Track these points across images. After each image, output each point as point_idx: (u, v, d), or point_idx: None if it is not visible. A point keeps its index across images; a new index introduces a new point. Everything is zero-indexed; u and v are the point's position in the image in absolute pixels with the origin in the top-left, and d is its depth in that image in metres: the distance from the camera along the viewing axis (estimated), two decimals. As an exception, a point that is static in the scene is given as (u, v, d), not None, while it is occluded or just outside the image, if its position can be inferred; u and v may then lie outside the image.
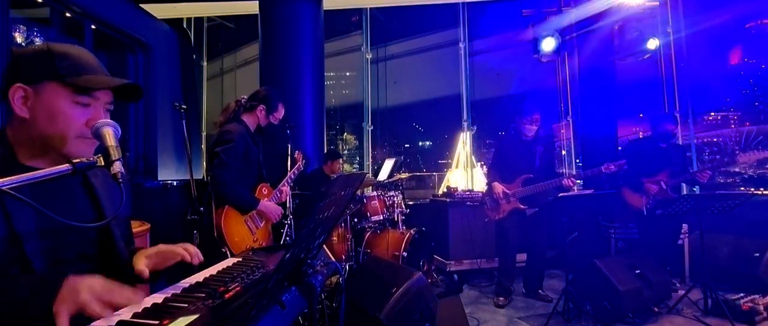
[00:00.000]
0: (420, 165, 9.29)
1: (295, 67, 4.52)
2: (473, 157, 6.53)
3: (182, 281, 1.04)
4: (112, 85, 0.97)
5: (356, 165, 9.02)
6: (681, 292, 3.33)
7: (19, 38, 4.25)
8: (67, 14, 4.27)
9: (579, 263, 3.29)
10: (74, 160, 0.81)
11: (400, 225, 4.05)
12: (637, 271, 3.06)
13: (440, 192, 5.81)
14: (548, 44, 5.10)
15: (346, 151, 9.44)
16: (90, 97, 0.95)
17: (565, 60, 5.99)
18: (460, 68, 6.50)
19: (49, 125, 0.92)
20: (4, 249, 0.84)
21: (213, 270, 1.15)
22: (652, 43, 5.01)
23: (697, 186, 4.78)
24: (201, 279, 1.06)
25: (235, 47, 7.75)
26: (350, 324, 2.32)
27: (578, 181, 4.09)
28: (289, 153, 3.13)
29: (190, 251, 1.09)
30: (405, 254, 3.57)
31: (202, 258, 1.11)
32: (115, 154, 0.84)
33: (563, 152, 6.47)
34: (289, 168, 3.01)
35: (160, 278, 1.11)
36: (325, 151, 4.73)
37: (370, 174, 4.97)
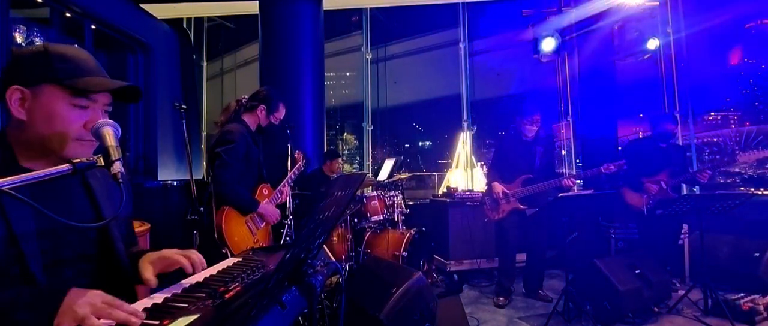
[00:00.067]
0: (420, 165, 9.29)
1: (295, 67, 4.52)
2: (473, 157, 6.53)
3: (182, 281, 1.04)
4: (110, 87, 0.97)
5: (356, 165, 9.02)
6: (681, 292, 3.33)
7: (19, 38, 4.25)
8: (67, 14, 4.26)
9: (579, 263, 3.29)
10: (74, 160, 0.80)
11: (400, 225, 4.05)
12: (637, 271, 3.06)
13: (440, 192, 5.81)
14: (548, 44, 5.10)
15: (346, 151, 9.44)
16: (88, 100, 0.94)
17: (565, 60, 5.99)
18: (460, 68, 6.50)
19: (47, 128, 0.92)
20: (3, 249, 0.84)
21: (213, 270, 1.15)
22: (652, 43, 5.01)
23: (697, 186, 4.78)
24: (201, 279, 1.06)
25: (235, 47, 7.76)
26: (350, 324, 2.32)
27: (578, 181, 4.09)
28: (289, 153, 3.13)
29: (192, 260, 1.06)
30: (405, 254, 3.57)
31: (205, 266, 1.10)
32: (115, 154, 0.84)
33: (563, 152, 6.47)
34: (289, 169, 3.01)
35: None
36: (325, 150, 4.74)
37: (370, 174, 4.97)
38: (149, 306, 0.87)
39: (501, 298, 3.58)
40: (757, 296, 3.07)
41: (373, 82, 6.65)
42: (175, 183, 4.79)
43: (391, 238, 3.74)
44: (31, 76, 0.91)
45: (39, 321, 0.73)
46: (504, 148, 3.79)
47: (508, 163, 3.67)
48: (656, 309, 3.14)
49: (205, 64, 7.35)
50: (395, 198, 4.12)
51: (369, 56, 6.60)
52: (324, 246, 1.47)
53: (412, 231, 3.76)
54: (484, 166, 6.00)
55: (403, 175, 4.63)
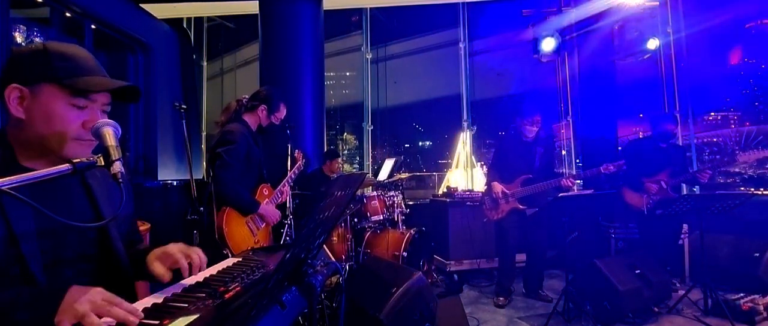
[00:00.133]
0: (420, 165, 9.29)
1: (295, 67, 4.52)
2: (473, 157, 6.53)
3: (182, 281, 1.04)
4: (109, 87, 0.97)
5: (356, 165, 9.02)
6: (681, 292, 3.33)
7: (19, 38, 4.25)
8: (67, 14, 4.26)
9: (579, 263, 3.29)
10: (74, 160, 0.80)
11: (400, 225, 4.05)
12: (637, 271, 3.06)
13: (440, 192, 5.81)
14: (548, 44, 5.10)
15: (346, 151, 9.44)
16: (87, 99, 0.94)
17: (565, 60, 5.99)
18: (460, 68, 6.50)
19: (46, 127, 0.91)
20: (4, 249, 0.84)
21: (213, 270, 1.15)
22: (652, 43, 5.01)
23: (697, 186, 4.78)
24: (201, 279, 1.06)
25: (235, 47, 7.76)
26: (350, 324, 2.31)
27: (578, 181, 4.09)
28: (289, 153, 3.13)
29: (192, 260, 1.05)
30: (405, 254, 3.57)
31: (205, 266, 1.09)
32: (115, 153, 0.83)
33: (563, 152, 6.47)
34: (289, 168, 3.00)
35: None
36: (325, 150, 4.74)
37: (370, 174, 4.97)
38: (149, 305, 0.86)
39: (501, 298, 3.58)
40: (757, 296, 3.07)
41: (373, 82, 6.65)
42: (175, 183, 4.80)
43: (391, 238, 3.74)
44: (31, 75, 0.91)
45: (39, 318, 0.73)
46: (504, 148, 3.79)
47: (508, 163, 3.67)
48: (656, 309, 3.14)
49: (205, 64, 7.35)
50: (395, 198, 4.12)
51: (369, 56, 6.60)
52: (324, 246, 1.47)
53: (412, 231, 3.76)
54: (484, 166, 6.00)
55: (403, 175, 4.63)
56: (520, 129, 3.65)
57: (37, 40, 4.42)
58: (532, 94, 7.38)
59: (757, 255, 3.55)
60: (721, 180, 7.05)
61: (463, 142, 6.54)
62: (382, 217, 3.98)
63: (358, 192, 3.95)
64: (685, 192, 4.64)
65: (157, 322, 0.77)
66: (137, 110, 5.10)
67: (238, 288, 0.93)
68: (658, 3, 5.07)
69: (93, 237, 1.02)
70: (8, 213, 0.85)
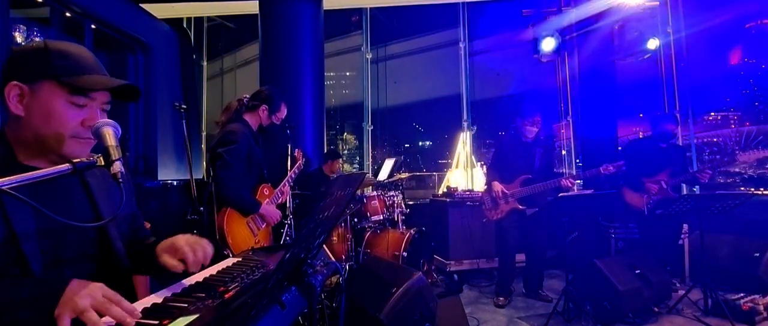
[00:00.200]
0: (420, 165, 9.30)
1: (295, 67, 4.52)
2: (473, 157, 6.53)
3: (182, 281, 1.04)
4: (109, 85, 0.97)
5: (356, 165, 9.02)
6: (681, 292, 3.33)
7: (19, 38, 4.24)
8: (67, 14, 4.26)
9: (579, 263, 3.29)
10: (74, 160, 0.80)
11: (400, 225, 4.05)
12: (637, 271, 3.06)
13: (440, 192, 5.81)
14: (548, 44, 5.09)
15: (346, 151, 9.45)
16: (86, 98, 0.94)
17: (565, 60, 5.99)
18: (460, 68, 6.50)
19: (44, 124, 0.91)
20: (4, 249, 0.84)
21: (213, 270, 1.15)
22: (652, 43, 5.01)
23: (698, 186, 4.78)
24: (201, 279, 1.05)
25: (235, 47, 7.76)
26: (350, 324, 2.31)
27: (577, 181, 4.09)
28: (289, 152, 3.13)
29: (197, 255, 1.04)
30: (405, 254, 3.57)
31: (208, 262, 1.08)
32: (115, 153, 0.83)
33: (563, 152, 6.47)
34: (289, 168, 3.00)
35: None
36: (325, 151, 4.73)
37: (370, 174, 4.97)
38: (149, 305, 0.86)
39: (501, 298, 3.58)
40: (757, 296, 3.07)
41: (373, 82, 6.65)
42: (175, 183, 4.79)
43: (391, 238, 3.74)
44: (31, 73, 0.91)
45: (40, 312, 0.73)
46: (503, 148, 3.79)
47: (508, 164, 3.67)
48: (656, 309, 3.14)
49: (205, 64, 7.35)
50: (395, 198, 4.11)
51: (369, 56, 6.60)
52: (324, 246, 1.47)
53: (412, 231, 3.76)
54: (484, 166, 6.00)
55: (403, 175, 4.63)
56: (519, 129, 3.65)
57: (37, 40, 4.42)
58: (532, 94, 7.39)
59: (757, 255, 3.55)
60: (721, 180, 7.05)
61: (463, 142, 6.54)
62: (382, 217, 3.98)
63: (358, 192, 3.95)
64: (685, 192, 4.65)
65: (156, 322, 0.77)
66: (137, 110, 5.10)
67: (238, 288, 0.93)
68: (658, 3, 5.07)
69: (93, 237, 1.02)
70: (9, 213, 0.85)
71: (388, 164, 4.69)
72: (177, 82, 5.77)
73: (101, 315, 0.74)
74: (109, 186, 1.08)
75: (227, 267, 1.20)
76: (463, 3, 6.42)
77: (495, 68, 7.12)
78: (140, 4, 5.15)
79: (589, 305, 3.00)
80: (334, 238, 3.76)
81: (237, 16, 7.18)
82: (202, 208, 2.35)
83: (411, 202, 5.02)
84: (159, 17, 5.59)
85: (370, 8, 6.55)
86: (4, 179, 0.69)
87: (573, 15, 5.24)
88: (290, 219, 3.09)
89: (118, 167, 0.82)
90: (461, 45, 6.49)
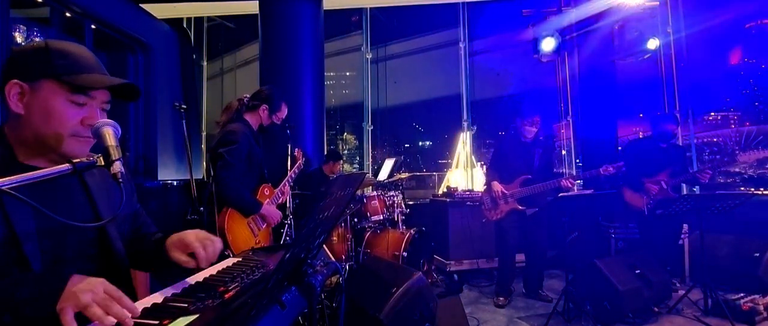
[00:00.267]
0: (420, 165, 9.29)
1: (295, 67, 4.52)
2: (473, 157, 6.53)
3: (182, 281, 1.04)
4: (108, 84, 0.97)
5: (356, 165, 9.02)
6: (681, 292, 3.33)
7: (19, 38, 4.24)
8: (67, 14, 4.26)
9: (579, 263, 3.29)
10: (74, 160, 0.80)
11: (400, 225, 4.05)
12: (637, 271, 3.06)
13: (440, 192, 5.81)
14: (548, 44, 5.10)
15: (346, 151, 9.44)
16: (86, 96, 0.95)
17: (564, 60, 5.99)
18: (460, 68, 6.50)
19: (44, 123, 0.92)
20: (4, 250, 0.84)
21: (213, 270, 1.15)
22: (652, 43, 5.01)
23: (698, 186, 4.78)
24: (201, 279, 1.05)
25: (235, 47, 7.77)
26: (350, 324, 2.31)
27: (577, 181, 4.09)
28: (289, 152, 3.13)
29: (207, 251, 1.05)
30: (405, 254, 3.57)
31: (214, 260, 1.09)
32: (115, 153, 0.83)
33: (563, 152, 6.47)
34: (289, 168, 3.00)
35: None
36: (326, 151, 4.73)
37: (370, 174, 4.97)
38: (149, 305, 0.86)
39: (501, 298, 3.58)
40: (757, 296, 3.07)
41: (373, 82, 6.65)
42: (175, 183, 4.79)
43: (391, 238, 3.74)
44: (31, 71, 0.92)
45: (41, 306, 0.73)
46: (503, 148, 3.79)
47: (507, 164, 3.67)
48: (656, 309, 3.14)
49: (205, 64, 7.35)
50: (395, 198, 4.11)
51: (369, 56, 6.60)
52: (324, 246, 1.47)
53: (412, 231, 3.76)
54: (484, 166, 6.00)
55: (403, 175, 4.63)
56: (519, 129, 3.65)
57: (37, 40, 4.42)
58: (531, 94, 7.39)
59: (757, 255, 3.55)
60: (721, 180, 7.04)
61: (463, 142, 6.54)
62: (382, 217, 3.98)
63: (358, 192, 3.95)
64: (685, 192, 4.65)
65: (156, 322, 0.77)
66: (137, 110, 5.10)
67: (238, 288, 0.93)
68: (658, 3, 5.07)
69: (93, 237, 1.02)
70: (9, 212, 0.85)
71: (388, 164, 4.69)
72: (177, 82, 5.76)
73: None
74: (108, 186, 1.08)
75: (227, 267, 1.20)
76: (463, 3, 6.42)
77: (495, 68, 7.12)
78: (140, 4, 5.15)
79: (589, 305, 3.00)
80: (334, 238, 3.76)
81: (237, 16, 7.18)
82: (202, 208, 2.35)
83: (411, 202, 5.02)
84: (159, 17, 5.59)
85: (370, 8, 6.55)
86: (4, 179, 0.69)
87: (573, 15, 5.24)
88: (290, 220, 3.09)
89: (118, 167, 0.82)
90: (461, 45, 6.49)
